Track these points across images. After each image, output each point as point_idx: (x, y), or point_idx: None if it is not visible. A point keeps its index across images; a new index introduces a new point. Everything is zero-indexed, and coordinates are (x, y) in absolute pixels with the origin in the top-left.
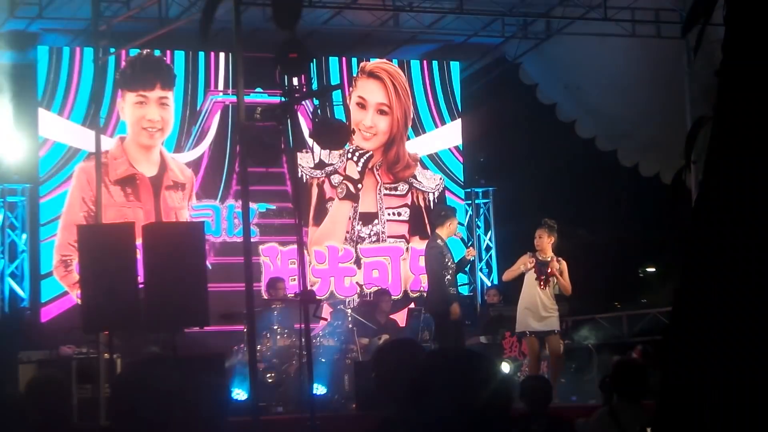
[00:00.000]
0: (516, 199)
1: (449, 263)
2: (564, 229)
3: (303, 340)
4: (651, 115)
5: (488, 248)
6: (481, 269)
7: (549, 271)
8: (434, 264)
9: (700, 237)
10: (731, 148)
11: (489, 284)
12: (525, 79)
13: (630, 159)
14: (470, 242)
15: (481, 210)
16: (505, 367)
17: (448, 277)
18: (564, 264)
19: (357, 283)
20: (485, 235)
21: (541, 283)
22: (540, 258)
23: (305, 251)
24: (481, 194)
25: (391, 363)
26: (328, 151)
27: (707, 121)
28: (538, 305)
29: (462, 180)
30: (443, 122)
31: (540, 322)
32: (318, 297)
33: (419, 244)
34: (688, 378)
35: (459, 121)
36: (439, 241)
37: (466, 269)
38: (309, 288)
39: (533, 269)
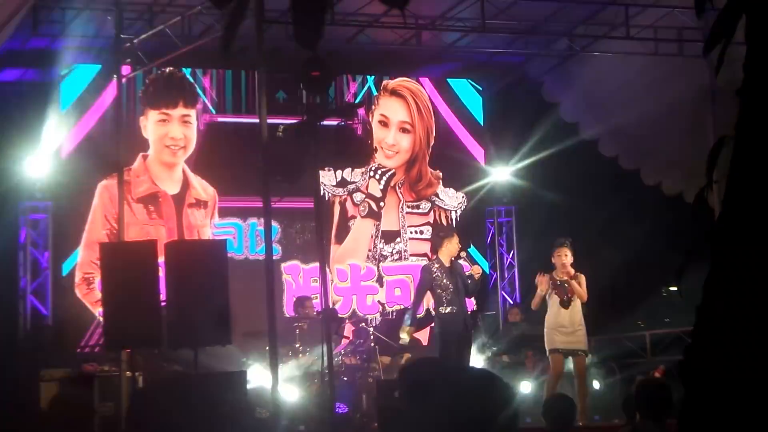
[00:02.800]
0: (539, 218)
1: (442, 282)
2: (586, 248)
3: (325, 358)
4: (674, 134)
5: (510, 267)
6: (503, 288)
7: (569, 291)
8: (418, 283)
9: (722, 256)
10: (753, 167)
11: (511, 303)
12: (547, 97)
13: (653, 178)
14: (491, 261)
15: (504, 228)
16: (526, 387)
17: (440, 292)
18: (582, 278)
19: (379, 301)
20: (508, 253)
21: (563, 304)
22: (558, 277)
23: (327, 269)
24: (503, 212)
25: (416, 382)
26: (350, 169)
27: (729, 140)
28: (564, 324)
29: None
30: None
31: (567, 338)
32: (340, 315)
33: None
34: (709, 397)
35: (481, 139)
36: (434, 262)
37: (476, 287)
38: (331, 306)
39: (554, 292)
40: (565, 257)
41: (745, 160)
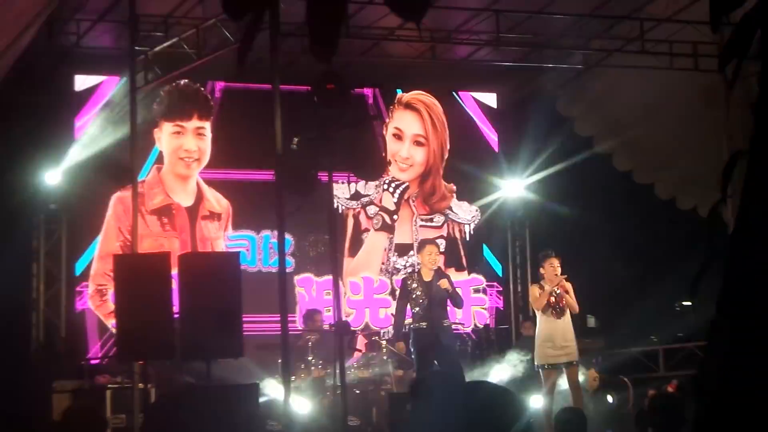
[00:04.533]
0: (552, 233)
1: (415, 295)
2: (600, 263)
3: (338, 371)
4: (688, 149)
5: (525, 280)
6: (516, 301)
7: (561, 302)
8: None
9: (735, 270)
10: (767, 183)
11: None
12: (562, 111)
13: (667, 192)
14: (505, 275)
15: (517, 242)
16: (537, 401)
17: (417, 310)
18: (571, 288)
19: (392, 314)
20: (521, 267)
21: (555, 315)
22: (551, 289)
23: (340, 282)
24: (517, 226)
25: (429, 395)
26: (364, 182)
27: (743, 155)
28: (557, 336)
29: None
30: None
31: (560, 351)
32: (353, 328)
33: (455, 276)
34: (722, 413)
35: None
36: (413, 275)
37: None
38: (344, 319)
39: (542, 304)
40: (557, 267)
41: (759, 176)
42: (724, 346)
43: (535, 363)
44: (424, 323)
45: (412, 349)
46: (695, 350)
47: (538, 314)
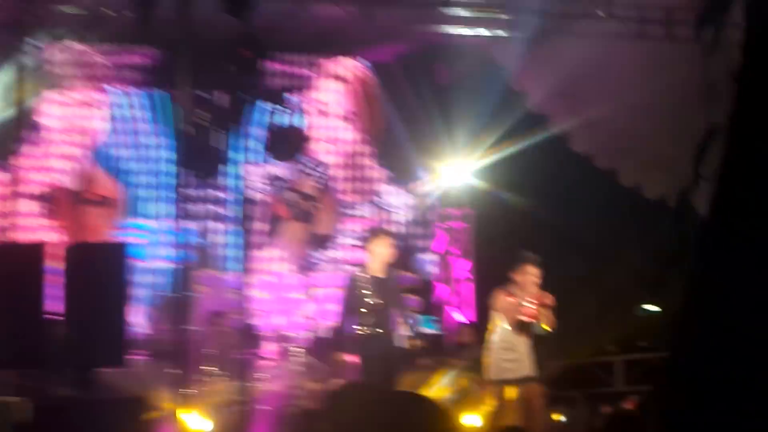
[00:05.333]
0: (500, 225)
1: (364, 295)
2: (551, 259)
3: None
4: (657, 130)
5: (466, 280)
6: (457, 305)
7: (533, 316)
8: (342, 296)
9: (706, 263)
10: (748, 162)
11: (465, 321)
12: (514, 85)
13: (632, 178)
14: (444, 274)
15: (459, 236)
16: (474, 420)
17: (367, 314)
18: (549, 300)
19: (308, 317)
20: (462, 265)
21: (521, 329)
22: (520, 300)
23: (250, 279)
24: (459, 218)
25: (345, 410)
26: (280, 162)
27: (719, 131)
28: (516, 351)
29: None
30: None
31: (517, 365)
32: (261, 333)
33: None
34: (696, 399)
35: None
36: (361, 272)
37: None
38: (251, 323)
39: (512, 315)
40: (531, 276)
41: (739, 154)
42: (692, 358)
43: (487, 376)
44: (372, 330)
45: (360, 360)
46: (659, 362)
47: (499, 322)
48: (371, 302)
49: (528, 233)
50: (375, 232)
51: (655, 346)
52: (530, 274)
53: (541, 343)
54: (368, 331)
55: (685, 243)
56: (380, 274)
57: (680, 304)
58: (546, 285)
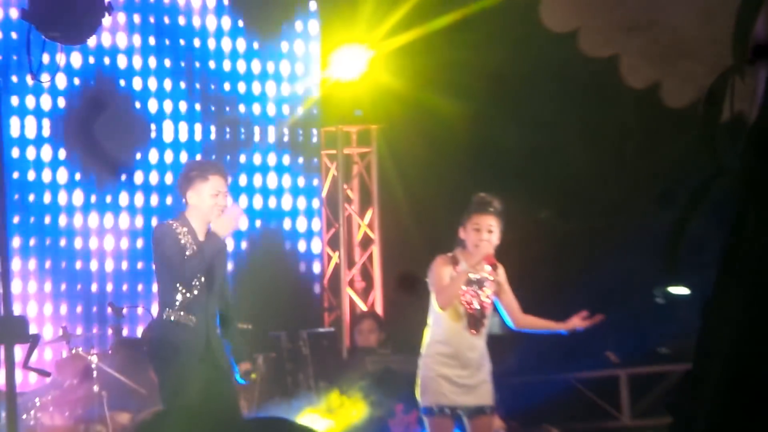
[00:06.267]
0: (423, 149)
1: (185, 261)
2: (518, 215)
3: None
4: None
5: (368, 241)
6: (351, 282)
7: (486, 305)
8: (157, 254)
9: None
10: None
11: (365, 309)
12: None
13: (641, 75)
14: (330, 231)
15: (356, 170)
16: None
17: (183, 290)
18: (502, 271)
19: (111, 303)
20: (361, 216)
21: (473, 324)
22: (471, 272)
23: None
24: (355, 138)
25: None
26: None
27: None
28: (464, 361)
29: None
30: None
31: (464, 389)
32: (33, 333)
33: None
34: (735, 405)
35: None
36: (176, 224)
37: None
38: (18, 315)
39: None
40: (488, 232)
41: None
42: (735, 316)
43: (420, 401)
44: (191, 316)
45: (153, 353)
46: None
47: (438, 315)
48: (194, 276)
49: (470, 165)
50: (201, 165)
51: (684, 352)
52: (485, 228)
53: (500, 348)
54: (176, 318)
55: (717, 165)
56: (203, 232)
57: (728, 283)
58: (507, 257)
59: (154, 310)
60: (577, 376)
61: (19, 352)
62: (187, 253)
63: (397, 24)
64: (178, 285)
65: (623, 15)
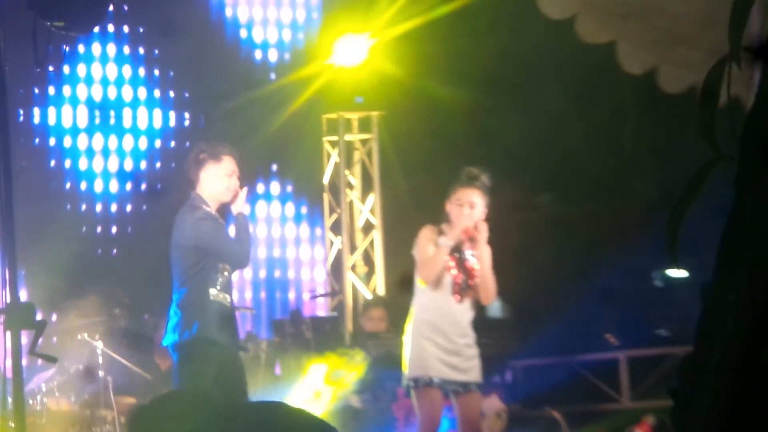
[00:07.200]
0: (424, 136)
1: (219, 246)
2: (518, 197)
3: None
4: None
5: (369, 227)
6: (354, 267)
7: (470, 272)
8: (199, 236)
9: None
10: None
11: (371, 296)
12: None
13: (639, 60)
14: (333, 215)
15: (357, 156)
16: None
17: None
18: (486, 251)
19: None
20: (362, 201)
21: (458, 291)
22: (458, 241)
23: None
24: (356, 126)
25: None
26: None
27: None
28: (449, 333)
29: None
30: None
31: (452, 358)
32: (40, 319)
33: None
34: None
35: None
36: (203, 206)
37: None
38: (24, 301)
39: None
40: (470, 206)
41: None
42: (735, 301)
43: (406, 376)
44: (227, 295)
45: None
46: (696, 360)
47: (422, 288)
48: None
49: (472, 149)
50: (210, 145)
51: (683, 334)
52: (467, 202)
53: (498, 331)
54: (214, 297)
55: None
56: (236, 207)
57: (732, 259)
58: (504, 239)
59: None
60: (577, 359)
61: (24, 338)
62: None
63: (398, 12)
64: (221, 265)
65: (620, 1)
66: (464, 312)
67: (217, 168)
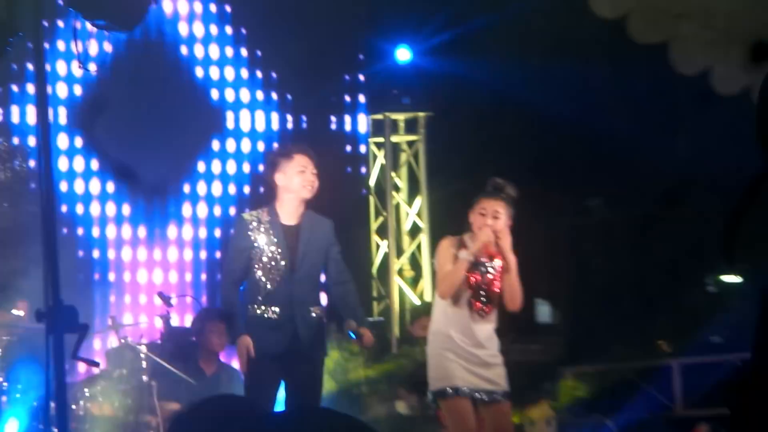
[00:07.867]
0: (471, 137)
1: (264, 252)
2: (564, 201)
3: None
4: None
5: (416, 230)
6: (400, 271)
7: (491, 286)
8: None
9: None
10: None
11: (418, 300)
12: None
13: (692, 61)
14: (380, 217)
15: (403, 157)
16: None
17: (265, 280)
18: (513, 261)
19: (160, 294)
20: (409, 204)
21: (478, 305)
22: (478, 255)
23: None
24: (403, 126)
25: None
26: None
27: None
28: (468, 345)
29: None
30: None
31: (477, 368)
32: (82, 323)
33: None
34: None
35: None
36: (259, 212)
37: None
38: (66, 305)
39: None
40: (493, 219)
41: None
42: None
43: (430, 390)
44: (274, 309)
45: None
46: (741, 366)
47: (440, 301)
48: (266, 262)
49: (515, 152)
50: (281, 149)
51: (737, 341)
52: (490, 213)
53: (545, 336)
54: (259, 313)
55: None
56: (291, 221)
57: None
58: (550, 241)
59: (202, 300)
60: (629, 365)
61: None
62: (256, 244)
63: (446, 18)
64: (260, 277)
65: (672, 1)
66: (483, 325)
67: (289, 165)
